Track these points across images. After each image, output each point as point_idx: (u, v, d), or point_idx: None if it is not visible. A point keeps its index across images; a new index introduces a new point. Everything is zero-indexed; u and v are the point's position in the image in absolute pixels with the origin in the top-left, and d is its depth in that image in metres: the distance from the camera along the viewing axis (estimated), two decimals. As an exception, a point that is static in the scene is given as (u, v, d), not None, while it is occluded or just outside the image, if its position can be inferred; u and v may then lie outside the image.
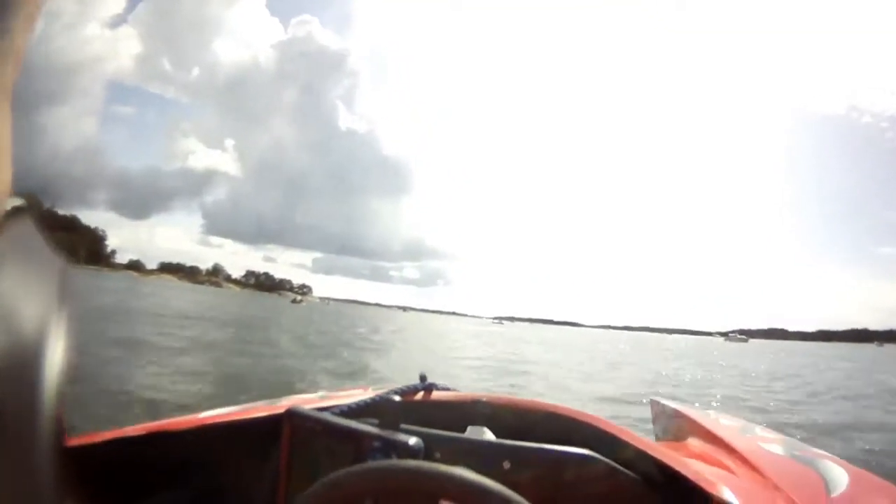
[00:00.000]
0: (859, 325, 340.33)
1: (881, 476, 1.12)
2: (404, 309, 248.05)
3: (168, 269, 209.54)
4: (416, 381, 1.24)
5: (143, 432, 1.02)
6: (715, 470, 1.04)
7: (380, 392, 1.20)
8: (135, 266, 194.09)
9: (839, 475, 1.06)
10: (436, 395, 1.24)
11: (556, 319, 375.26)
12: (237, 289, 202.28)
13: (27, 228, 0.30)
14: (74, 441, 0.91)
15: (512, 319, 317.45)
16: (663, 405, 1.77)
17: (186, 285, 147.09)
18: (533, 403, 1.16)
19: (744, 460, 1.10)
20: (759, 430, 1.43)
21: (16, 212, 0.29)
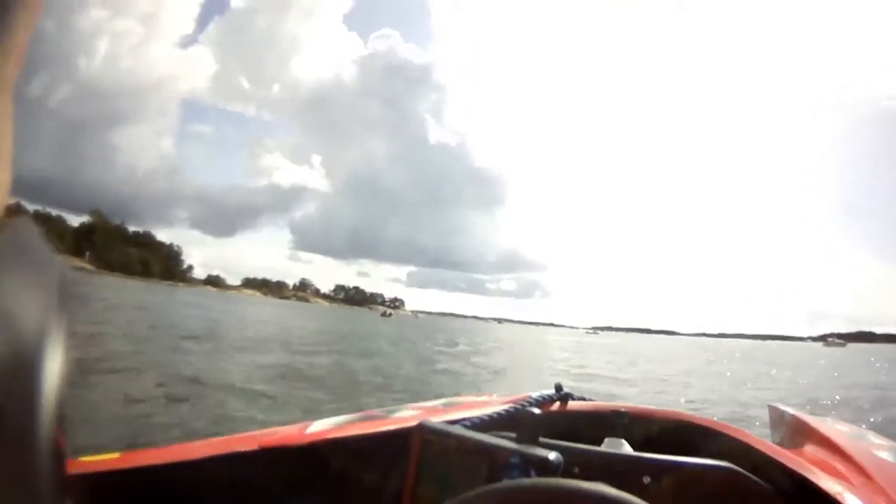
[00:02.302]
0: None
1: None
2: (499, 321, 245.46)
3: (251, 284, 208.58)
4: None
5: (253, 446, 0.99)
6: (832, 478, 0.98)
7: (513, 401, 1.17)
8: (213, 281, 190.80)
9: None
10: (572, 405, 1.21)
11: (652, 329, 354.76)
12: (326, 303, 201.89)
13: (27, 228, 0.30)
14: (139, 457, 0.92)
15: (609, 329, 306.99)
16: (782, 411, 1.73)
17: (271, 300, 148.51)
18: (671, 414, 1.17)
19: (858, 468, 1.07)
20: (872, 437, 1.39)
21: (15, 212, 0.29)
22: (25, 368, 0.25)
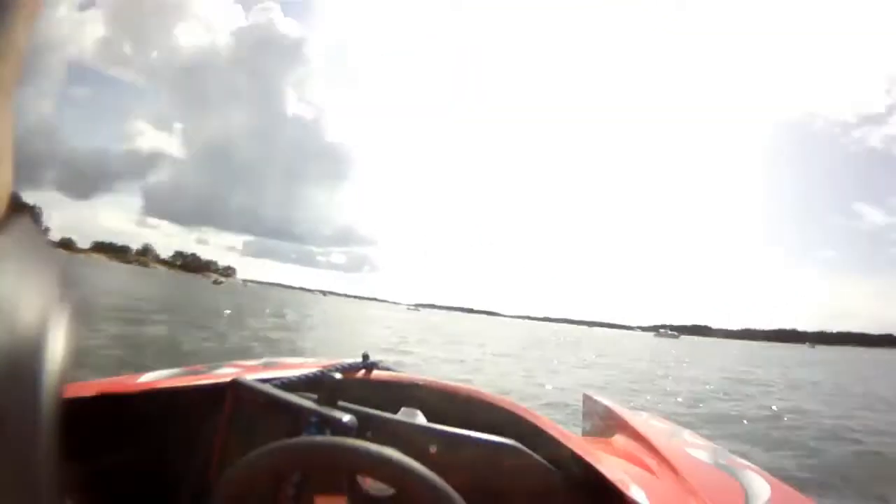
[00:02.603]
0: (787, 326, 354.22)
1: (802, 492, 1.17)
2: (324, 293, 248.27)
3: (101, 248, 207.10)
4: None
5: (90, 393, 1.05)
6: (636, 470, 1.10)
7: (323, 366, 1.26)
8: (66, 244, 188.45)
9: (761, 487, 1.11)
10: (375, 374, 1.28)
11: (475, 308, 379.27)
12: (164, 269, 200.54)
13: (27, 228, 0.30)
14: None
15: (431, 307, 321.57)
16: (595, 401, 1.80)
17: (114, 265, 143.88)
18: (467, 391, 1.21)
19: (667, 464, 1.13)
20: (688, 436, 1.50)
21: (15, 211, 0.29)
22: (26, 366, 0.25)
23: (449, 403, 1.16)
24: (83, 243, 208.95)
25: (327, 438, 0.76)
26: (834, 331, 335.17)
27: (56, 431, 0.27)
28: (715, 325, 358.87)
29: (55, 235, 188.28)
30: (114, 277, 51.25)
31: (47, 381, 0.26)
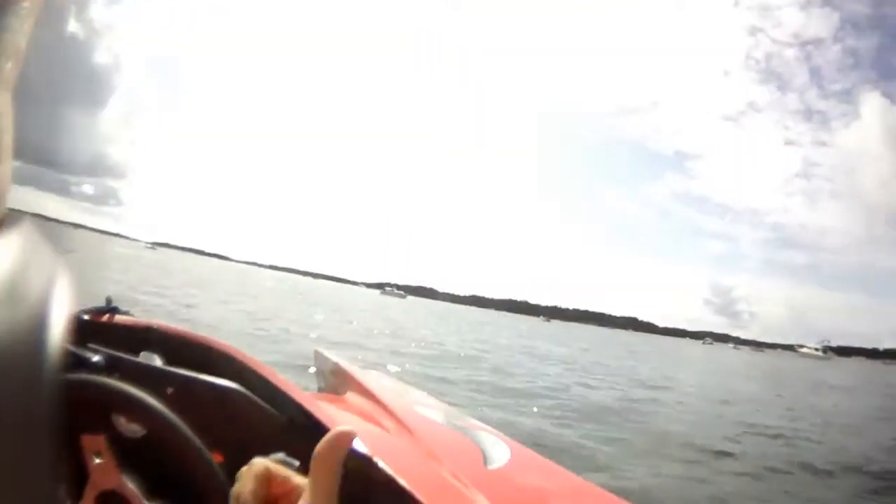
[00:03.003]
0: (518, 298, 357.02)
1: (544, 455, 1.22)
2: (75, 227, 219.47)
3: None
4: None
5: None
6: (371, 428, 1.15)
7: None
8: None
9: (501, 450, 1.17)
10: (118, 318, 1.27)
11: (206, 251, 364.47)
12: None
13: (27, 229, 0.30)
14: None
15: (167, 246, 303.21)
16: (325, 357, 1.82)
17: None
18: (200, 337, 1.23)
19: (400, 423, 1.18)
20: (420, 396, 1.56)
21: (15, 211, 0.29)
22: (24, 368, 0.26)
23: (184, 348, 1.19)
24: None
25: (89, 377, 0.85)
26: (570, 307, 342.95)
27: (56, 432, 0.27)
28: (441, 289, 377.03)
29: None
30: None
31: (47, 379, 0.27)
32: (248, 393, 1.01)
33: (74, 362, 0.89)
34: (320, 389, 1.81)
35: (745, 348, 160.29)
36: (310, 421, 0.99)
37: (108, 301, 1.28)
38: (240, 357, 1.16)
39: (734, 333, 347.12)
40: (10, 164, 0.29)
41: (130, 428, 0.93)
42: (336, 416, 1.02)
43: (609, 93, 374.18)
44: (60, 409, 0.53)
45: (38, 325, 0.27)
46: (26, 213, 0.31)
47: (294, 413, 1.02)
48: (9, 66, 0.28)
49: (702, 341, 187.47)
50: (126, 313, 1.30)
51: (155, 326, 1.22)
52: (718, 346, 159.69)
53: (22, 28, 0.29)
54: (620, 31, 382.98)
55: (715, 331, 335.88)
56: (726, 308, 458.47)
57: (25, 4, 0.29)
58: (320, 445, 0.35)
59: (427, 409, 1.37)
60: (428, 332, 23.59)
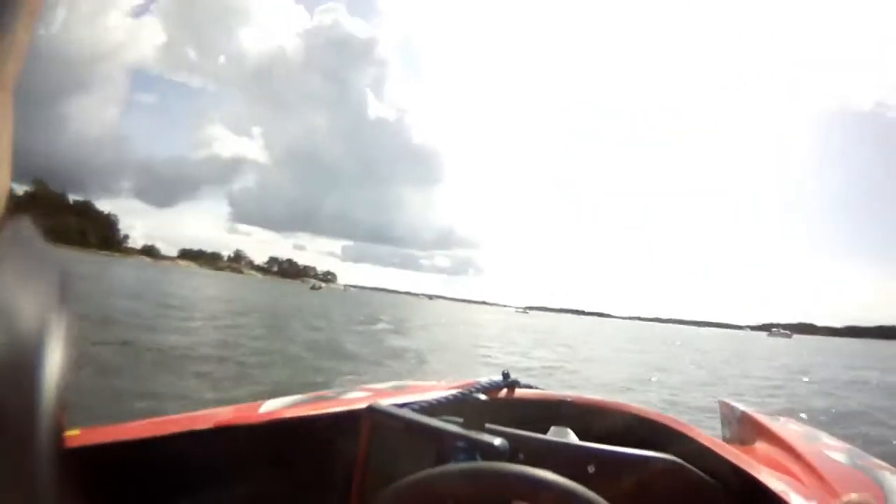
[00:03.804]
0: (885, 323, 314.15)
1: None
2: (430, 297, 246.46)
3: (188, 255, 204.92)
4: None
5: (205, 425, 0.98)
6: (782, 476, 1.01)
7: (460, 387, 1.19)
8: (149, 252, 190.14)
9: None
10: (519, 392, 1.22)
11: (585, 310, 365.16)
12: (259, 275, 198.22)
13: (27, 228, 0.30)
14: (92, 436, 0.88)
15: (543, 309, 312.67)
16: (732, 407, 1.72)
17: (204, 272, 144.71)
18: (616, 405, 1.18)
19: (809, 467, 1.08)
20: (825, 438, 1.39)
21: (15, 211, 0.29)
22: (25, 367, 0.25)
23: (599, 419, 1.14)
24: (170, 251, 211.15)
25: (485, 464, 0.73)
26: None
27: (56, 431, 0.26)
28: (819, 322, 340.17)
29: (140, 243, 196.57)
30: (211, 284, 50.48)
31: (46, 382, 0.26)
32: (680, 461, 0.91)
33: (469, 448, 0.82)
34: (725, 439, 1.66)
35: None
36: (745, 484, 0.92)
37: (505, 375, 1.25)
38: (663, 421, 1.12)
39: None
40: (10, 166, 0.29)
41: None
42: (767, 475, 0.93)
43: None
44: None
45: (37, 327, 0.26)
46: (25, 214, 0.31)
47: (729, 477, 0.93)
48: (9, 66, 0.28)
49: None
50: (527, 386, 1.28)
51: (563, 398, 1.20)
52: None
53: (22, 28, 0.28)
54: None
55: None
56: None
57: (27, 5, 0.28)
58: None
59: (833, 451, 1.25)
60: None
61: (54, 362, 0.27)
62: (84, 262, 57.02)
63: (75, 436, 0.89)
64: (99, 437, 0.89)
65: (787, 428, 1.39)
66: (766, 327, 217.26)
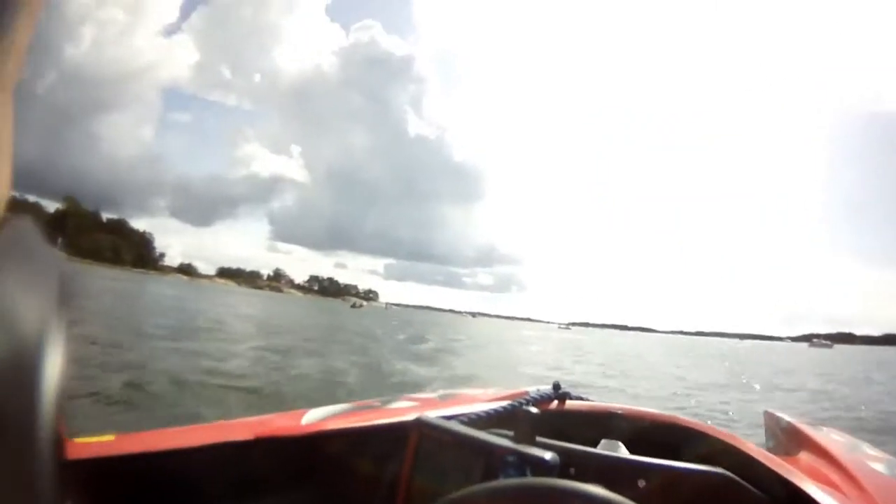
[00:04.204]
0: None
1: None
2: (473, 315, 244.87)
3: (226, 273, 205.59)
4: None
5: (246, 435, 0.99)
6: (825, 488, 0.99)
7: (510, 397, 1.18)
8: (185, 270, 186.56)
9: None
10: (569, 404, 1.22)
11: (629, 325, 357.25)
12: (300, 294, 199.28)
13: (27, 228, 0.30)
14: (122, 444, 0.89)
15: (585, 325, 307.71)
16: (777, 417, 1.74)
17: (243, 290, 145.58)
18: (667, 417, 1.18)
19: (850, 478, 1.07)
20: (867, 448, 1.40)
21: (15, 212, 0.29)
22: (25, 367, 0.25)
23: (650, 432, 1.14)
24: (208, 270, 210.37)
25: (535, 480, 0.74)
26: None
27: (57, 433, 0.26)
28: (858, 331, 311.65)
29: (177, 261, 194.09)
30: (247, 302, 50.14)
31: (47, 382, 0.26)
32: (731, 475, 0.91)
33: (519, 462, 0.81)
34: (769, 450, 1.59)
35: None
36: (793, 497, 0.91)
37: (556, 386, 1.24)
38: (714, 434, 1.12)
39: None
40: (11, 166, 0.29)
41: None
42: (814, 488, 0.93)
43: None
44: None
45: (38, 327, 0.26)
46: (27, 214, 0.30)
47: (778, 490, 0.93)
48: (9, 66, 0.28)
49: None
50: (578, 398, 1.26)
51: (614, 410, 1.19)
52: None
53: (22, 28, 0.28)
54: None
55: None
56: None
57: (27, 5, 0.28)
58: None
59: (875, 461, 1.26)
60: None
61: (55, 363, 0.27)
62: (116, 279, 57.86)
63: (111, 442, 0.90)
64: (136, 444, 0.90)
65: (830, 438, 1.39)
66: (805, 338, 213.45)
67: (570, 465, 0.85)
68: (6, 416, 0.24)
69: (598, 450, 0.96)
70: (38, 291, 0.28)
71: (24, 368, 0.25)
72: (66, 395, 0.27)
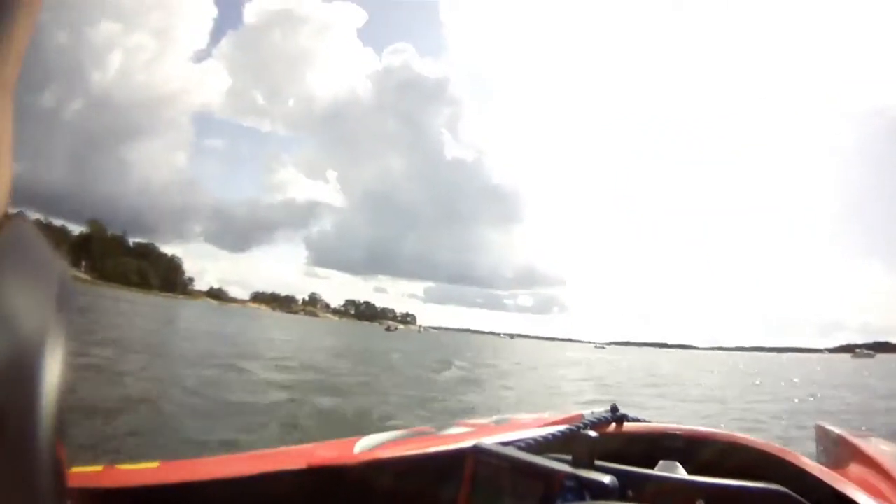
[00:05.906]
0: None
1: None
2: (511, 336, 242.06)
3: (260, 298, 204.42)
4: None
5: (297, 465, 0.98)
6: (876, 499, 0.99)
7: (566, 421, 1.20)
8: (215, 294, 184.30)
9: None
10: (626, 426, 1.22)
11: (669, 343, 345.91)
12: (335, 318, 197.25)
13: (27, 229, 0.29)
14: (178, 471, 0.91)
15: (626, 344, 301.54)
16: (828, 430, 1.72)
17: (279, 315, 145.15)
18: (724, 436, 1.17)
19: None
20: None
21: (15, 213, 0.29)
22: (25, 369, 0.25)
23: (706, 451, 1.13)
24: (243, 295, 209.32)
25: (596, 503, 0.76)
26: None
27: (56, 435, 0.26)
28: (895, 339, 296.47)
29: (208, 287, 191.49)
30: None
31: (47, 383, 0.26)
32: (790, 492, 0.91)
33: (577, 487, 0.81)
34: (821, 463, 1.51)
35: None
36: None
37: (614, 409, 1.24)
38: (771, 451, 1.11)
39: None
40: (10, 167, 0.28)
41: None
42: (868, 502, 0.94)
43: None
44: None
45: (38, 327, 0.26)
46: (27, 214, 0.30)
47: None
48: (9, 66, 0.28)
49: None
50: (636, 420, 1.26)
51: (670, 431, 1.19)
52: None
53: (22, 29, 0.28)
54: None
55: None
56: None
57: (26, 6, 0.29)
58: None
59: None
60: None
61: (54, 365, 0.27)
62: (133, 301, 57.45)
63: (155, 469, 0.92)
64: (183, 473, 0.90)
65: (879, 448, 1.37)
66: (844, 349, 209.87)
67: (629, 488, 0.86)
68: (5, 420, 0.24)
69: (656, 471, 0.96)
70: (38, 291, 0.28)
71: (24, 371, 0.25)
72: (66, 394, 0.27)
